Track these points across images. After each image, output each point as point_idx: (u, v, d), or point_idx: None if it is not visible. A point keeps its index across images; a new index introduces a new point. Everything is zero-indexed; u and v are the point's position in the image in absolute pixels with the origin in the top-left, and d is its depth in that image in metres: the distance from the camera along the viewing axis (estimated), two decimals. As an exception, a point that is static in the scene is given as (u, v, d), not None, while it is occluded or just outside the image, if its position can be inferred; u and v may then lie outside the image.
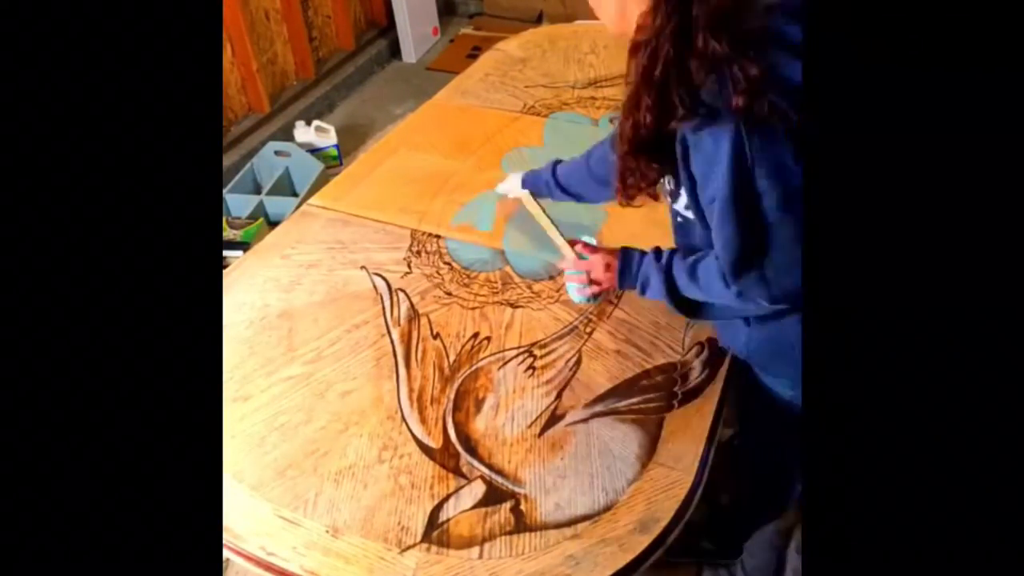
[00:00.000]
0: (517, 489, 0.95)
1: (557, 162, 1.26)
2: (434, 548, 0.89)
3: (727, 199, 0.78)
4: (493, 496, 0.94)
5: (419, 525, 0.91)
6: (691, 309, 1.01)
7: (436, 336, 1.18)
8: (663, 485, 0.94)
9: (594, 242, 1.16)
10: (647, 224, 1.30)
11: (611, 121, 1.11)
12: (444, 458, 0.99)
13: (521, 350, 1.15)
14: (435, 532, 0.90)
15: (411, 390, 1.09)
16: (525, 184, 1.27)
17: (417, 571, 0.86)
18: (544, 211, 1.21)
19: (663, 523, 0.89)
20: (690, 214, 0.90)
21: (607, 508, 0.92)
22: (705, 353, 1.13)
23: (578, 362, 1.13)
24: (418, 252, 1.38)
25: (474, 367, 1.13)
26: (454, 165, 1.64)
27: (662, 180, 0.92)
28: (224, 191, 2.49)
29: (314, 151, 2.75)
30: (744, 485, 1.38)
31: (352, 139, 3.05)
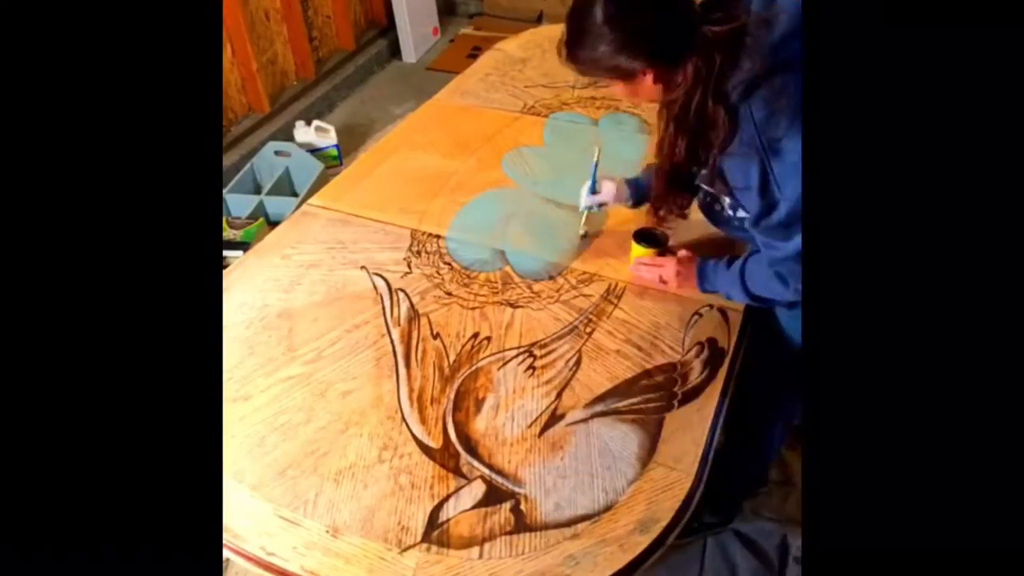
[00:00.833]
0: (517, 489, 0.95)
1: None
2: (434, 548, 0.89)
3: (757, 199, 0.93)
4: (493, 496, 0.94)
5: (419, 525, 0.91)
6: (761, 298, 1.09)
7: (436, 336, 1.18)
8: (663, 485, 0.94)
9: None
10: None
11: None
12: (444, 458, 0.99)
13: (521, 350, 1.15)
14: (435, 532, 0.90)
15: (411, 390, 1.09)
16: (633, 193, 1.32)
17: (417, 571, 0.86)
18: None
19: (663, 523, 0.89)
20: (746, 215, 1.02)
21: (607, 508, 0.92)
22: (705, 353, 1.13)
23: (578, 362, 1.13)
24: (418, 252, 1.38)
25: (474, 367, 1.13)
26: (454, 165, 1.64)
27: (720, 200, 1.07)
28: (224, 191, 2.49)
29: (314, 151, 2.75)
30: (735, 446, 1.38)
31: (352, 139, 3.05)
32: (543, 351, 1.15)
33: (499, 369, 1.12)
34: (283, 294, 1.29)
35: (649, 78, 0.93)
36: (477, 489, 0.95)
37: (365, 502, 0.94)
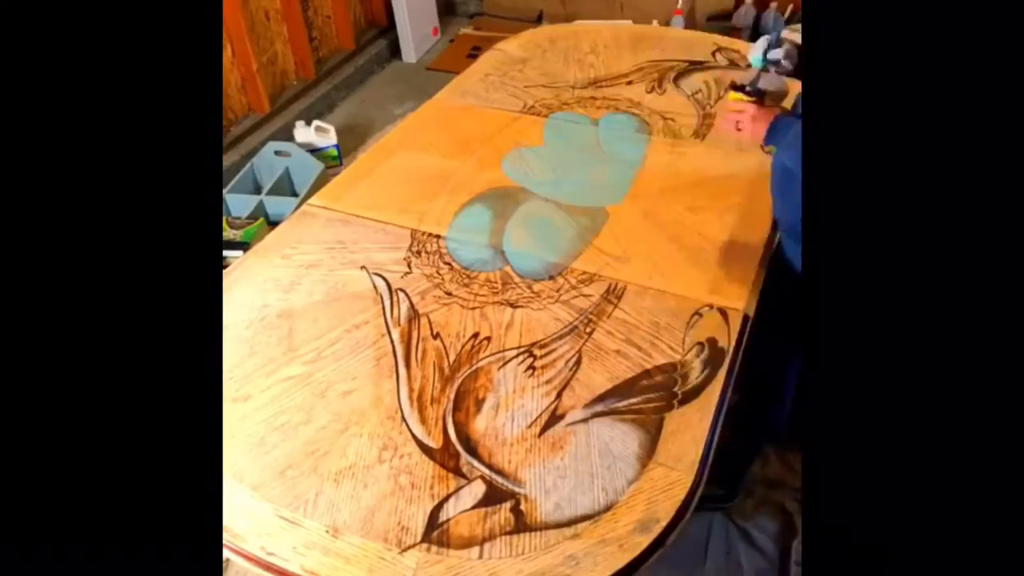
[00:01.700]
0: (517, 489, 0.95)
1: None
2: (434, 548, 0.89)
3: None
4: (493, 496, 0.94)
5: (419, 525, 0.91)
6: None
7: (436, 336, 1.18)
8: (663, 485, 0.94)
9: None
10: (648, 225, 1.30)
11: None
12: (444, 458, 0.99)
13: (521, 350, 1.15)
14: (435, 532, 0.90)
15: (411, 390, 1.09)
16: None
17: (417, 571, 0.86)
18: None
19: (663, 523, 0.89)
20: None
21: (607, 508, 0.92)
22: (705, 353, 1.13)
23: (578, 362, 1.13)
24: (418, 252, 1.38)
25: (474, 367, 1.13)
26: (454, 165, 1.64)
27: None
28: (224, 191, 2.49)
29: (314, 151, 2.75)
30: (746, 409, 1.44)
31: (352, 139, 3.05)
32: (543, 351, 1.15)
33: (499, 369, 1.12)
34: (283, 294, 1.29)
35: None
36: (477, 489, 0.95)
37: (365, 502, 0.94)
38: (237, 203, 2.46)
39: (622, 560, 0.86)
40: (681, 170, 1.58)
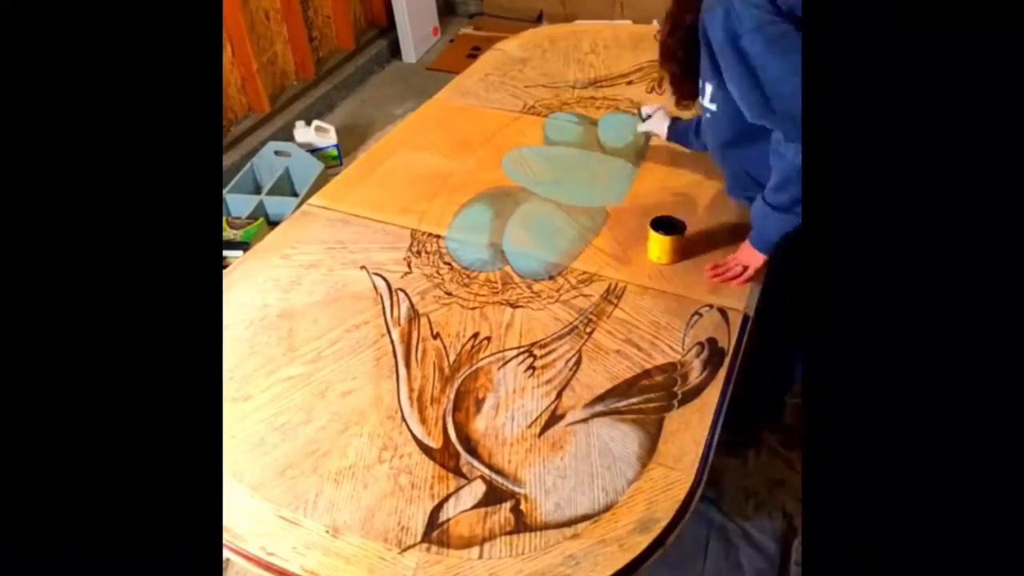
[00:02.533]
0: (517, 489, 0.95)
1: (697, 121, 1.50)
2: (434, 548, 0.89)
3: (729, 57, 1.05)
4: (493, 496, 0.94)
5: (419, 525, 0.91)
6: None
7: (436, 336, 1.18)
8: (663, 485, 0.94)
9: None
10: (648, 225, 1.30)
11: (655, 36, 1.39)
12: (444, 458, 0.99)
13: (521, 350, 1.15)
14: (435, 532, 0.90)
15: (411, 390, 1.09)
16: (671, 135, 1.55)
17: (417, 571, 0.86)
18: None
19: (663, 523, 0.89)
20: (714, 106, 1.21)
21: (607, 508, 0.92)
22: (705, 353, 1.13)
23: (578, 362, 1.13)
24: (418, 252, 1.38)
25: (474, 367, 1.13)
26: (454, 165, 1.64)
27: (701, 87, 1.23)
28: (224, 191, 2.49)
29: (314, 151, 2.75)
30: (765, 340, 1.46)
31: (352, 139, 3.05)
32: (543, 351, 1.15)
33: (499, 369, 1.12)
34: (283, 294, 1.29)
35: None
36: (477, 489, 0.95)
37: (365, 502, 0.94)
38: (237, 203, 2.46)
39: (622, 560, 0.86)
40: (681, 170, 1.58)
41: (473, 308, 1.24)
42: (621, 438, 1.00)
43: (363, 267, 1.34)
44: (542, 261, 1.34)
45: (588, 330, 1.18)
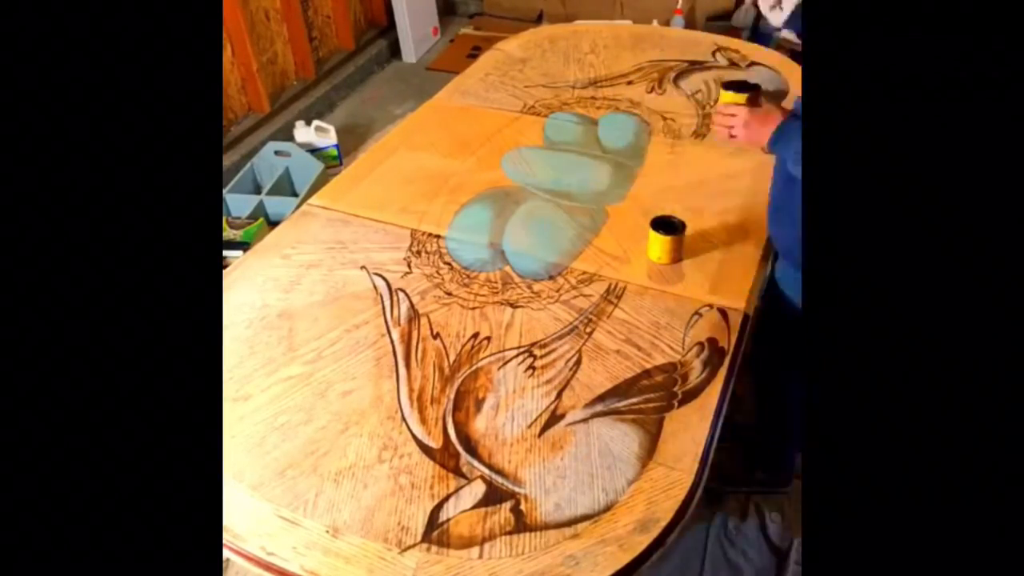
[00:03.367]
0: (517, 489, 0.95)
1: None
2: (434, 548, 0.89)
3: None
4: (493, 496, 0.94)
5: (419, 525, 0.91)
6: None
7: (436, 336, 1.18)
8: (663, 485, 0.94)
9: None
10: (648, 225, 1.30)
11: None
12: (444, 458, 0.99)
13: (521, 350, 1.15)
14: (435, 532, 0.90)
15: (411, 390, 1.09)
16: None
17: (417, 571, 0.86)
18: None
19: (663, 523, 0.89)
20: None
21: (607, 508, 0.92)
22: (705, 353, 1.13)
23: (578, 362, 1.13)
24: (418, 252, 1.38)
25: (474, 367, 1.13)
26: (454, 165, 1.64)
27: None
28: (224, 191, 2.50)
29: (314, 151, 2.75)
30: (770, 407, 1.49)
31: (352, 139, 3.05)
32: (543, 351, 1.15)
33: (499, 369, 1.12)
34: (283, 294, 1.29)
35: None
36: (477, 489, 0.95)
37: (365, 502, 0.94)
38: (237, 203, 2.46)
39: (622, 560, 0.86)
40: (681, 170, 1.58)
41: (473, 308, 1.24)
42: (621, 438, 1.00)
43: (363, 267, 1.34)
44: (542, 261, 1.34)
45: (588, 330, 1.18)
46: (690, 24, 3.25)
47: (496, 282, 1.30)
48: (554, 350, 1.15)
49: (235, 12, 2.72)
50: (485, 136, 1.74)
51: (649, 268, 1.31)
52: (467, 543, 0.89)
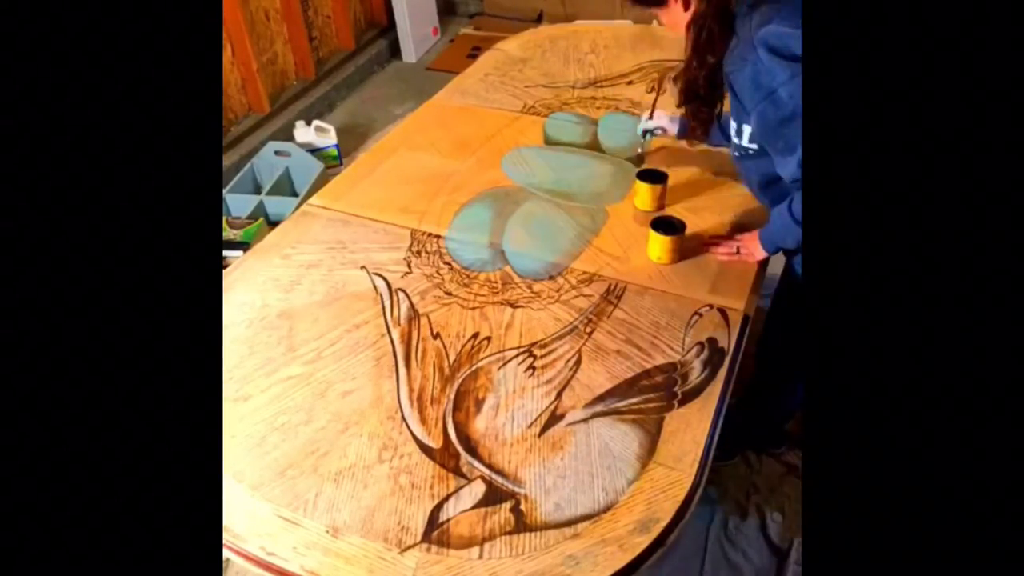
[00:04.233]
0: (517, 489, 0.95)
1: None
2: (434, 548, 0.89)
3: (767, 108, 1.04)
4: (493, 496, 0.94)
5: (419, 525, 0.91)
6: None
7: (436, 336, 1.18)
8: (663, 485, 0.94)
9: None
10: (645, 226, 1.31)
11: (673, 81, 1.37)
12: (444, 458, 0.99)
13: (521, 350, 1.15)
14: (435, 532, 0.90)
15: (411, 390, 1.09)
16: (714, 136, 1.44)
17: (417, 571, 0.86)
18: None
19: (663, 523, 0.89)
20: (755, 146, 1.18)
21: (607, 508, 0.92)
22: (705, 353, 1.13)
23: (578, 362, 1.13)
24: (418, 252, 1.38)
25: (474, 367, 1.13)
26: (454, 165, 1.64)
27: (731, 127, 1.21)
28: (224, 191, 2.50)
29: (314, 151, 2.75)
30: (767, 372, 1.52)
31: (352, 139, 3.06)
32: (543, 351, 1.15)
33: (499, 369, 1.12)
34: (283, 294, 1.29)
35: (679, 5, 1.13)
36: (477, 489, 0.95)
37: (365, 502, 0.94)
38: (237, 203, 2.46)
39: (622, 560, 0.86)
40: (681, 170, 1.58)
41: (473, 308, 1.24)
42: (621, 438, 1.00)
43: (363, 267, 1.34)
44: (542, 261, 1.34)
45: (588, 330, 1.18)
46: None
47: (496, 282, 1.30)
48: (554, 350, 1.15)
49: (235, 12, 2.73)
50: (485, 136, 1.74)
51: (649, 268, 1.31)
52: (467, 543, 0.89)
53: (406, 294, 1.27)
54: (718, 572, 1.48)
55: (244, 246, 2.18)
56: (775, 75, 1.01)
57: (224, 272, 1.34)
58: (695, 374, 1.09)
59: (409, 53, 3.71)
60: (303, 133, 2.82)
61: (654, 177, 1.43)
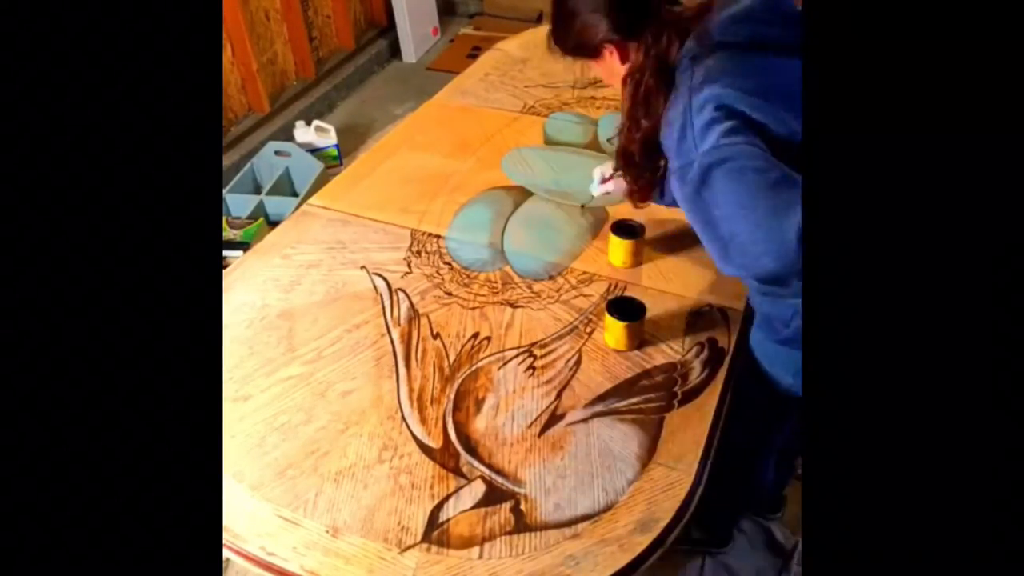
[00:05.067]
0: (517, 489, 0.95)
1: None
2: (434, 548, 0.89)
3: (675, 169, 0.92)
4: (493, 496, 0.94)
5: (419, 525, 0.91)
6: None
7: (436, 336, 1.18)
8: (663, 485, 0.94)
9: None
10: (647, 225, 1.30)
11: (609, 141, 1.26)
12: (444, 458, 0.99)
13: (521, 350, 1.15)
14: (435, 532, 0.90)
15: (411, 390, 1.09)
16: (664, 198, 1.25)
17: (417, 571, 0.86)
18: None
19: (663, 523, 0.89)
20: None
21: (607, 508, 0.92)
22: (705, 353, 1.13)
23: (578, 362, 1.13)
24: (418, 252, 1.38)
25: (474, 367, 1.13)
26: (454, 165, 1.64)
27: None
28: (224, 191, 2.50)
29: (314, 151, 2.75)
30: (721, 471, 1.40)
31: (352, 139, 3.05)
32: (543, 351, 1.15)
33: (499, 369, 1.12)
34: (283, 294, 1.29)
35: (615, 57, 1.01)
36: (477, 489, 0.95)
37: (365, 502, 0.94)
38: (237, 203, 2.46)
39: (622, 560, 0.86)
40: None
41: (473, 308, 1.24)
42: (621, 438, 1.00)
43: (363, 267, 1.34)
44: (542, 261, 1.34)
45: (588, 330, 1.18)
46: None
47: (496, 282, 1.30)
48: (554, 350, 1.15)
49: (235, 12, 2.73)
50: (485, 136, 1.74)
51: (649, 268, 1.31)
52: (467, 543, 0.89)
53: (406, 294, 1.27)
54: (718, 572, 1.48)
55: (244, 246, 2.18)
56: (699, 145, 0.87)
57: (224, 272, 1.34)
58: (695, 374, 1.09)
59: (409, 53, 3.71)
60: (303, 133, 2.82)
61: (628, 231, 1.29)
